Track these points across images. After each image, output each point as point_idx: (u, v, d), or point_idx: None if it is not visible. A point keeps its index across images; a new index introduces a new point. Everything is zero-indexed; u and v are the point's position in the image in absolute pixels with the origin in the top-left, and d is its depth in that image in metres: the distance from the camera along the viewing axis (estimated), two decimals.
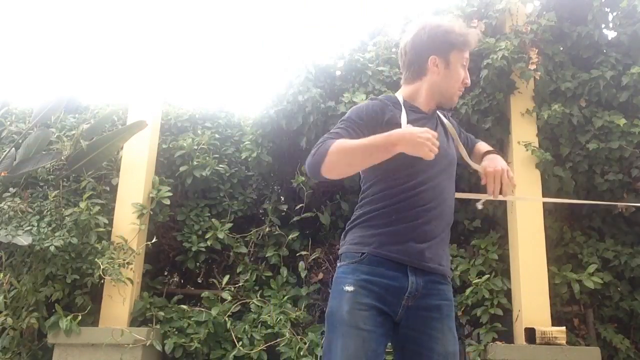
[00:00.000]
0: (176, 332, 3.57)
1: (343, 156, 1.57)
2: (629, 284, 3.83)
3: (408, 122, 1.67)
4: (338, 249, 1.80)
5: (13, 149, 3.90)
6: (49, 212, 3.63)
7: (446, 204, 1.75)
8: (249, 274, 3.90)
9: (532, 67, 3.67)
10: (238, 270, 3.95)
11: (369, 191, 1.73)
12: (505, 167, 1.75)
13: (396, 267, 1.63)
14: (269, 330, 3.56)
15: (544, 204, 3.69)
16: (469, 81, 1.81)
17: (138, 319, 3.62)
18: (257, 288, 3.89)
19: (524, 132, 3.78)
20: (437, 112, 1.86)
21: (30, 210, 3.64)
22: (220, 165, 4.10)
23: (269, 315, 3.59)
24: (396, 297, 1.62)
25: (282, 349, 3.50)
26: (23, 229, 3.43)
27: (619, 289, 3.79)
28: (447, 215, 1.74)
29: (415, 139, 1.50)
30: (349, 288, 1.61)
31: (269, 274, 3.95)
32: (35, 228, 3.47)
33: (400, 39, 1.88)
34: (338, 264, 1.73)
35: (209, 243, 3.90)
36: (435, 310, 1.65)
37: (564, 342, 3.34)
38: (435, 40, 1.75)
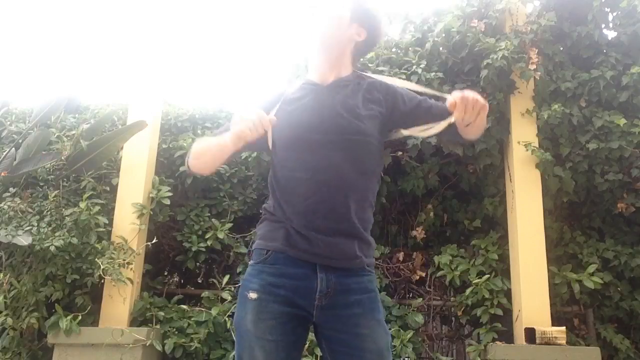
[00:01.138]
0: (176, 332, 3.57)
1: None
2: (629, 284, 3.84)
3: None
4: None
5: (13, 149, 3.89)
6: (49, 212, 3.63)
7: (347, 188, 1.53)
8: None
9: (532, 67, 3.67)
10: (238, 270, 3.95)
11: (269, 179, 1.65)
12: (475, 96, 1.48)
13: (303, 264, 1.51)
14: None
15: (544, 203, 3.69)
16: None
17: (138, 319, 3.62)
18: None
19: (524, 132, 3.78)
20: (362, 78, 1.68)
21: (30, 210, 3.64)
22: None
23: None
24: (307, 299, 1.50)
25: None
26: (23, 229, 3.42)
27: (619, 289, 3.79)
28: (353, 200, 1.53)
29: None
30: (253, 295, 1.49)
31: None
32: (35, 228, 3.47)
33: None
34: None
35: (209, 243, 3.89)
36: (356, 306, 1.51)
37: (564, 342, 3.34)
38: None
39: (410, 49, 3.92)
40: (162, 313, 3.61)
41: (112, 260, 3.47)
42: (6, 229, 3.37)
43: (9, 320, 3.46)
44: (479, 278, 3.58)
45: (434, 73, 3.74)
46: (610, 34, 3.97)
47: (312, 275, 1.50)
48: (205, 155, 1.63)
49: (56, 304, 3.51)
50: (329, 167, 1.53)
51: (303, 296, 1.50)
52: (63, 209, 3.64)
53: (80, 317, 3.48)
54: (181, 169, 4.02)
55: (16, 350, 3.58)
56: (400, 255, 3.93)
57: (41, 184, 3.94)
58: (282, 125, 1.54)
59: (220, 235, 3.90)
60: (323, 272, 1.51)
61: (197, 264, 4.07)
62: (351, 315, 1.51)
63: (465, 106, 1.47)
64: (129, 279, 3.54)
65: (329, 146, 1.54)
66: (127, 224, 3.74)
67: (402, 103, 1.66)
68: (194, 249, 3.91)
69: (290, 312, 1.50)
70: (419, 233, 3.97)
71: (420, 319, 3.61)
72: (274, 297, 1.49)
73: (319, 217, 1.51)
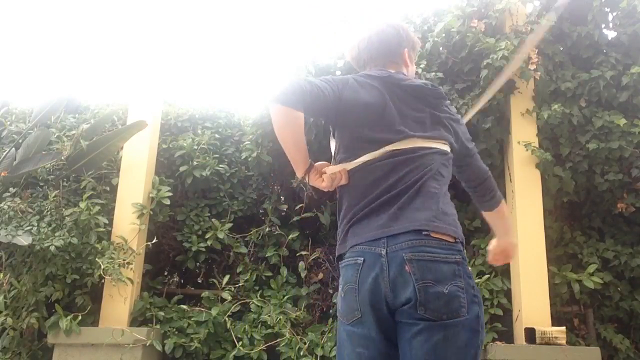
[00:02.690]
0: (176, 332, 3.57)
1: None
2: (629, 284, 3.84)
3: None
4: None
5: (13, 149, 3.90)
6: (49, 212, 3.63)
7: None
8: (249, 274, 3.90)
9: (532, 67, 3.67)
10: (238, 270, 3.95)
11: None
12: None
13: None
14: (269, 330, 3.56)
15: (544, 203, 3.69)
16: None
17: (138, 319, 3.62)
18: (257, 288, 3.89)
19: (524, 132, 3.78)
20: None
21: (30, 210, 3.64)
22: (220, 165, 4.10)
23: (269, 315, 3.59)
24: None
25: (282, 349, 3.50)
26: (23, 229, 3.42)
27: (619, 289, 3.79)
28: None
29: None
30: None
31: (269, 274, 3.95)
32: (35, 228, 3.47)
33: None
34: (464, 262, 1.51)
35: (209, 243, 3.90)
36: None
37: (564, 342, 3.34)
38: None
39: None
40: (162, 313, 3.62)
41: (112, 260, 3.47)
42: (6, 229, 3.37)
43: (9, 320, 3.46)
44: (479, 278, 3.58)
45: (434, 73, 3.75)
46: (610, 34, 3.97)
47: None
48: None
49: (56, 304, 3.51)
50: None
51: None
52: (63, 209, 3.64)
53: (80, 317, 3.48)
54: (181, 169, 4.02)
55: (16, 350, 3.58)
56: None
57: (41, 184, 3.94)
58: None
59: (220, 235, 3.91)
60: None
61: (197, 264, 4.07)
62: None
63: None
64: (129, 278, 3.54)
65: None
66: (127, 224, 3.74)
67: None
68: (194, 249, 3.91)
69: None
70: None
71: None
72: None
73: None
